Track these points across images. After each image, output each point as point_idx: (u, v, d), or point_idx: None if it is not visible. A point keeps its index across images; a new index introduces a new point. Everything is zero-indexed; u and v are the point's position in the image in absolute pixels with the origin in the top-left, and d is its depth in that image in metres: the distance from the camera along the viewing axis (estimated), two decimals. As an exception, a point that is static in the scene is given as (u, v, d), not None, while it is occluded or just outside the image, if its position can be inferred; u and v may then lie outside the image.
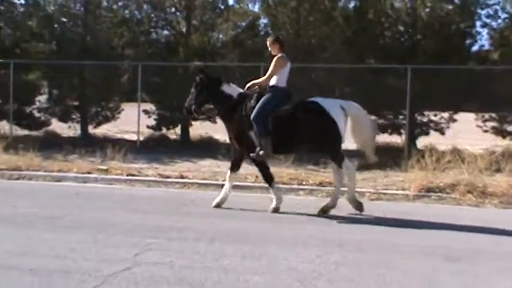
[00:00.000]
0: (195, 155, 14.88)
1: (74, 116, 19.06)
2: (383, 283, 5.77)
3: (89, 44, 18.90)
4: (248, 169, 12.14)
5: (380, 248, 7.07)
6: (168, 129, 18.38)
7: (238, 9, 19.13)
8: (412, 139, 16.02)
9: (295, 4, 17.16)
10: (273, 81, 9.27)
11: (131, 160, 13.67)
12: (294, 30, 17.23)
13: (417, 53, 16.22)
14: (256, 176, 11.82)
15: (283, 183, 11.43)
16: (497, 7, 16.74)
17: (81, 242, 6.95)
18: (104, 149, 13.83)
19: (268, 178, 9.40)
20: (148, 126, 18.24)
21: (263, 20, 18.73)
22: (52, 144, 15.79)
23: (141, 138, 17.37)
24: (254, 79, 9.52)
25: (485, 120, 16.53)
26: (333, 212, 9.12)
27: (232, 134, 9.51)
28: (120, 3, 19.49)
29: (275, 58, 9.28)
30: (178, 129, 18.30)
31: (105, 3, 19.48)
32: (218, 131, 15.41)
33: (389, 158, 13.73)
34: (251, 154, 9.12)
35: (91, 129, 19.10)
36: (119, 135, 19.49)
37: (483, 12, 16.80)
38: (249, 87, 9.38)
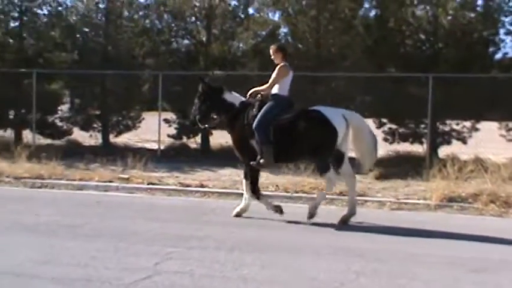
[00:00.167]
0: (215, 164, 14.91)
1: (95, 125, 19.19)
2: (404, 293, 5.73)
3: (110, 54, 19.04)
4: (269, 178, 12.16)
5: (401, 258, 7.01)
6: (188, 138, 18.41)
7: (259, 18, 19.15)
8: (433, 148, 15.89)
9: (315, 13, 17.16)
10: (275, 90, 9.26)
11: (152, 169, 13.72)
12: (314, 39, 17.23)
13: (439, 62, 16.11)
14: (277, 185, 11.85)
15: (304, 192, 11.44)
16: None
17: (102, 250, 6.98)
18: (124, 157, 13.91)
19: (254, 188, 9.39)
20: (168, 135, 18.29)
21: (283, 29, 18.76)
22: (74, 153, 15.93)
23: (162, 147, 17.43)
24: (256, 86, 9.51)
25: (509, 129, 16.33)
26: (353, 221, 9.06)
27: (234, 141, 9.58)
28: (141, 13, 19.64)
29: (278, 67, 9.27)
30: (198, 138, 18.33)
31: (126, 13, 19.61)
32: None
33: (411, 167, 13.66)
34: (251, 162, 9.11)
35: (112, 138, 19.20)
36: (139, 144, 19.58)
37: (507, 19, 16.60)
38: (250, 94, 9.40)
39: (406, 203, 10.91)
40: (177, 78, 18.20)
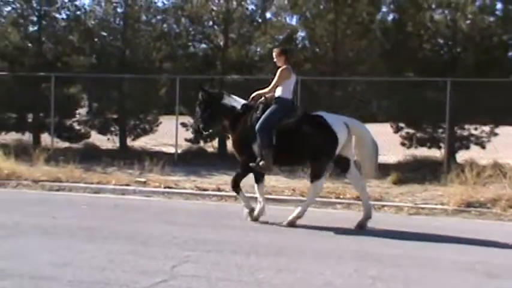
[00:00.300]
0: (232, 168, 14.77)
1: (113, 129, 19.27)
2: (422, 299, 5.69)
3: (128, 58, 19.14)
4: (284, 182, 12.15)
5: (418, 263, 6.96)
6: (205, 142, 18.44)
7: (276, 22, 19.18)
8: (451, 153, 15.81)
9: (333, 17, 17.14)
10: (278, 93, 9.27)
11: (169, 173, 13.75)
12: (331, 43, 17.21)
13: (457, 66, 16.02)
14: (293, 189, 11.83)
15: (321, 197, 11.37)
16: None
17: (119, 253, 7.00)
18: (142, 161, 13.96)
19: (236, 185, 9.48)
20: (186, 139, 18.33)
21: (301, 33, 18.76)
22: (91, 157, 16.00)
23: (179, 151, 17.47)
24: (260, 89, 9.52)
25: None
26: (371, 226, 9.02)
27: (234, 142, 9.68)
28: (158, 17, 19.74)
29: (279, 69, 9.27)
30: (215, 142, 18.35)
31: (144, 17, 19.71)
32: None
33: (428, 172, 13.59)
34: (251, 164, 9.13)
35: (129, 142, 19.28)
36: (157, 148, 19.64)
37: (527, 23, 16.50)
38: (253, 97, 9.43)
39: (423, 208, 10.86)
40: (194, 82, 18.21)
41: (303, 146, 8.96)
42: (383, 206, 11.06)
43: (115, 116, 19.37)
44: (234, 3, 18.67)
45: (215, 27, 19.05)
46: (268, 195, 11.43)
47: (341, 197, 11.55)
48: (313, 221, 9.24)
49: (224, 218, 9.62)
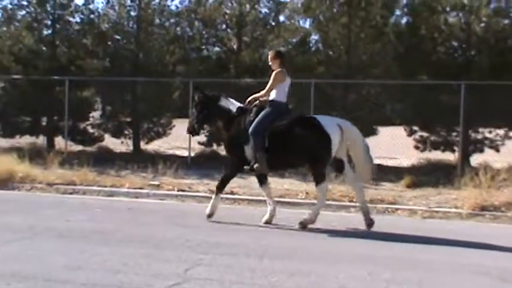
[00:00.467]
0: (245, 172, 14.88)
1: (126, 132, 19.31)
2: (436, 303, 5.65)
3: (141, 61, 19.19)
4: (298, 186, 12.13)
5: (432, 267, 6.92)
6: (218, 145, 18.42)
7: (289, 25, 19.16)
8: (465, 156, 15.72)
9: (347, 20, 17.10)
10: (272, 96, 9.35)
11: (182, 176, 13.77)
12: (345, 46, 17.17)
13: (471, 69, 15.95)
14: (307, 193, 11.80)
15: (334, 200, 11.37)
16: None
17: (132, 256, 7.00)
18: (155, 164, 14.01)
19: (221, 187, 9.54)
20: (199, 143, 18.33)
21: (314, 37, 18.74)
22: (105, 160, 16.05)
23: (192, 154, 17.47)
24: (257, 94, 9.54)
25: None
26: (384, 229, 8.99)
27: (226, 144, 9.78)
28: (172, 21, 19.76)
29: (274, 72, 9.36)
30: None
31: (157, 21, 19.73)
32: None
33: (442, 175, 13.53)
34: (245, 167, 9.22)
35: (143, 145, 19.31)
36: (170, 151, 19.67)
37: (543, 25, 16.38)
38: (249, 101, 9.48)
39: (437, 212, 10.81)
40: (207, 86, 18.24)
41: (296, 148, 9.00)
42: (397, 209, 11.02)
43: (128, 119, 19.41)
44: (248, 6, 18.69)
45: (228, 30, 19.07)
46: (281, 198, 11.46)
47: (354, 200, 11.48)
48: (326, 224, 9.23)
49: (237, 221, 9.60)
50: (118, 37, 19.79)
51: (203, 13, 18.78)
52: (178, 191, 12.39)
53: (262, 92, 9.41)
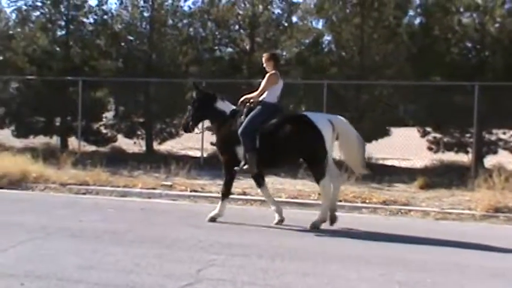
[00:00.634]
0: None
1: (139, 133, 19.36)
2: (449, 305, 5.62)
3: (154, 62, 19.24)
4: (311, 186, 12.10)
5: (444, 269, 6.89)
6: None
7: (302, 26, 19.15)
8: (479, 157, 15.63)
9: (360, 21, 17.06)
10: (262, 97, 9.42)
11: (195, 176, 13.80)
12: (357, 47, 17.13)
13: (485, 70, 15.85)
14: (319, 194, 11.76)
15: (347, 201, 11.34)
16: None
17: (145, 256, 7.02)
18: (168, 165, 14.04)
19: (226, 191, 9.58)
20: (211, 143, 18.24)
21: (327, 37, 18.69)
22: (118, 160, 16.09)
23: (205, 155, 17.48)
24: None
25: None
26: (397, 230, 8.96)
27: (218, 145, 9.81)
28: (185, 21, 19.81)
29: (268, 74, 9.42)
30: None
31: (170, 22, 19.78)
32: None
33: (455, 177, 13.47)
34: (236, 168, 9.30)
35: (156, 146, 19.35)
36: (182, 152, 19.70)
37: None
38: (242, 101, 9.55)
39: (450, 213, 10.75)
40: (220, 86, 18.26)
41: (288, 146, 9.02)
42: (409, 210, 10.97)
43: (141, 120, 19.46)
44: (260, 7, 18.69)
45: (241, 31, 19.08)
46: (294, 199, 11.49)
47: (367, 201, 11.48)
48: (339, 225, 9.20)
49: (249, 221, 9.60)
50: (131, 38, 19.86)
51: (216, 14, 18.81)
52: (191, 191, 12.41)
53: (255, 93, 9.49)
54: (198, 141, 17.27)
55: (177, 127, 19.39)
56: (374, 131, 16.66)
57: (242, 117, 9.32)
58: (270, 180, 13.79)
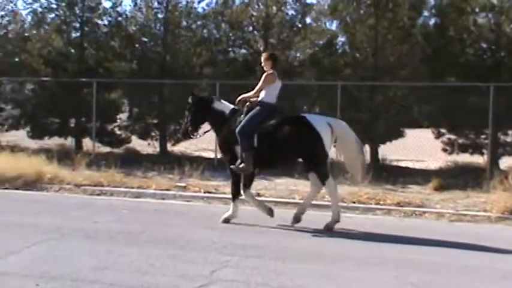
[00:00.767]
0: (271, 173, 14.88)
1: (153, 134, 19.41)
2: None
3: (168, 63, 19.27)
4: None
5: (459, 271, 6.86)
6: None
7: (316, 27, 19.12)
8: (494, 159, 15.52)
9: (374, 22, 16.99)
10: (261, 97, 9.43)
11: (208, 178, 13.83)
12: (371, 48, 17.05)
13: (501, 71, 15.72)
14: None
15: (360, 203, 11.32)
16: None
17: (159, 257, 7.04)
18: (182, 166, 14.06)
19: (236, 191, 9.58)
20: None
21: (341, 38, 18.61)
22: (132, 161, 16.15)
23: (219, 156, 17.47)
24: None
25: None
26: (412, 232, 8.92)
27: (219, 145, 9.96)
28: (199, 23, 19.83)
29: (265, 74, 9.43)
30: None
31: (184, 23, 19.81)
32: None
33: (470, 178, 13.39)
34: (231, 166, 9.34)
35: (170, 147, 19.37)
36: (196, 153, 19.71)
37: None
38: (239, 101, 9.60)
39: (465, 215, 10.69)
40: (234, 88, 18.26)
41: (286, 146, 9.06)
42: (424, 212, 10.92)
43: (155, 121, 19.50)
44: (274, 8, 18.67)
45: (255, 32, 19.07)
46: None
47: (381, 203, 11.44)
48: (353, 227, 9.18)
49: (263, 223, 9.58)
50: (145, 39, 19.91)
51: (230, 15, 18.82)
52: (204, 192, 12.43)
53: (252, 93, 9.53)
54: (212, 143, 17.25)
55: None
56: (388, 132, 16.60)
57: (242, 116, 9.36)
58: (283, 182, 13.86)
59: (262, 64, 9.60)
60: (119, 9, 20.00)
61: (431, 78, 16.31)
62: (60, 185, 13.07)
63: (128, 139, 19.72)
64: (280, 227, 9.22)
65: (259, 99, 9.44)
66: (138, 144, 19.70)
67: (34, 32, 21.04)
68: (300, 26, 18.94)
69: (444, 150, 16.69)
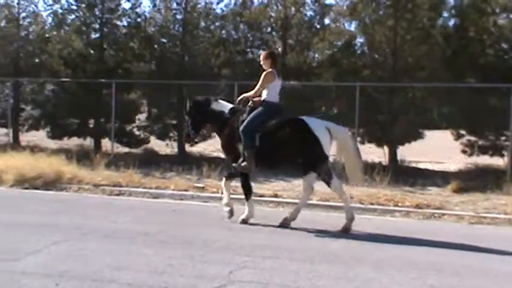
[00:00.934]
0: (289, 174, 14.85)
1: (171, 134, 19.49)
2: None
3: (187, 64, 19.33)
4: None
5: (478, 274, 6.80)
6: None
7: (334, 28, 19.09)
8: (515, 161, 15.39)
9: (393, 23, 16.93)
10: (264, 96, 9.43)
11: (226, 178, 13.81)
12: (390, 49, 17.00)
13: (521, 72, 15.61)
14: (351, 197, 11.70)
15: (379, 204, 11.27)
16: None
17: (177, 258, 7.05)
18: (200, 167, 14.10)
19: (248, 190, 9.66)
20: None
21: (359, 39, 18.59)
22: (150, 162, 16.22)
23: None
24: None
25: None
26: (430, 234, 8.87)
27: (222, 145, 9.88)
28: (217, 24, 19.89)
29: (264, 73, 9.42)
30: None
31: (203, 24, 19.89)
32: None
33: (490, 180, 13.28)
34: (233, 164, 9.41)
35: (188, 148, 19.43)
36: (214, 154, 19.73)
37: None
38: (240, 100, 9.65)
39: (485, 217, 10.60)
40: (252, 88, 18.24)
41: (284, 148, 9.07)
42: (443, 214, 10.85)
43: (174, 122, 19.57)
44: (293, 9, 18.68)
45: (273, 33, 19.09)
46: (326, 202, 11.42)
47: (399, 204, 11.38)
48: (371, 228, 9.14)
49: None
50: (164, 40, 20.01)
51: (248, 16, 18.86)
52: (222, 193, 12.41)
53: (252, 92, 9.55)
54: (230, 143, 17.28)
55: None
56: (407, 133, 16.54)
57: (244, 115, 9.37)
58: (300, 183, 13.78)
59: (262, 63, 9.62)
60: (138, 10, 20.19)
61: (451, 79, 16.20)
62: (79, 185, 13.16)
63: (147, 139, 19.83)
64: (298, 228, 9.19)
65: (262, 98, 9.44)
66: (156, 144, 19.79)
67: (54, 33, 21.23)
68: (318, 26, 18.94)
69: (464, 151, 16.60)
